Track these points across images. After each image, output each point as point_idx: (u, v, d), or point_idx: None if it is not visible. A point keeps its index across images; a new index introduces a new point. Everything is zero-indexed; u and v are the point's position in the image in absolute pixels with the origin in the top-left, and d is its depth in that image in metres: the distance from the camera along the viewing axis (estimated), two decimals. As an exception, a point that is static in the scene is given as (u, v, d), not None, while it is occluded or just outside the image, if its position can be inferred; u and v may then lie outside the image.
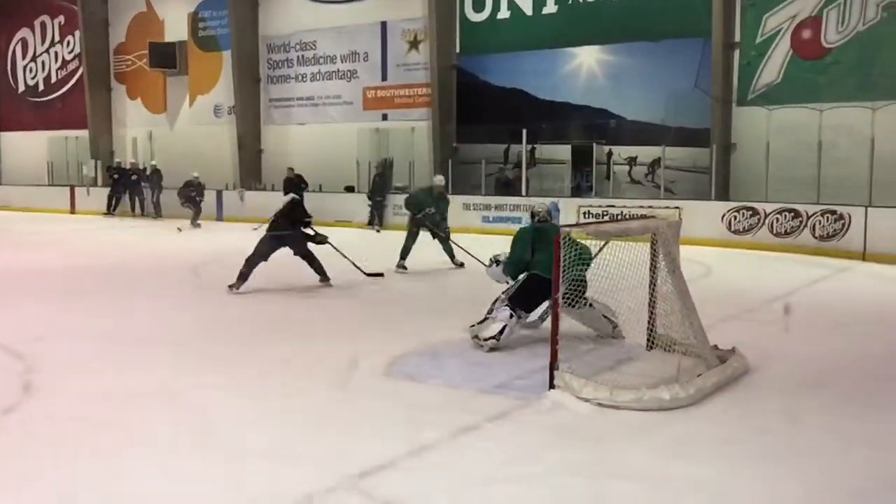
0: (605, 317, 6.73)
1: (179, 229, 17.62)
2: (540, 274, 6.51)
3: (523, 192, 17.07)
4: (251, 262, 9.39)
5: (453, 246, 11.39)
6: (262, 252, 9.44)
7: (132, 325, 7.81)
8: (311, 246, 9.63)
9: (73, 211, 23.17)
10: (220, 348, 6.84)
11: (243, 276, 9.35)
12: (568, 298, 6.02)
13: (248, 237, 10.67)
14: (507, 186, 17.96)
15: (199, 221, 18.83)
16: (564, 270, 5.59)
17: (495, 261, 7.23)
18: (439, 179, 12.25)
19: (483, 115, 18.53)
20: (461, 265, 11.30)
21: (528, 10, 17.91)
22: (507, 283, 7.06)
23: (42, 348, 6.74)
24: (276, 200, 18.81)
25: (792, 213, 13.46)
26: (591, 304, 6.55)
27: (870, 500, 3.89)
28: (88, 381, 5.82)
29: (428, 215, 11.24)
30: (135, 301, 9.19)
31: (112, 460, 4.33)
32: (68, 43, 26.17)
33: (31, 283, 10.67)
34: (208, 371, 6.06)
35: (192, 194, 18.92)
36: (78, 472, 4.17)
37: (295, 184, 17.94)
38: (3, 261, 12.37)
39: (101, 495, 3.92)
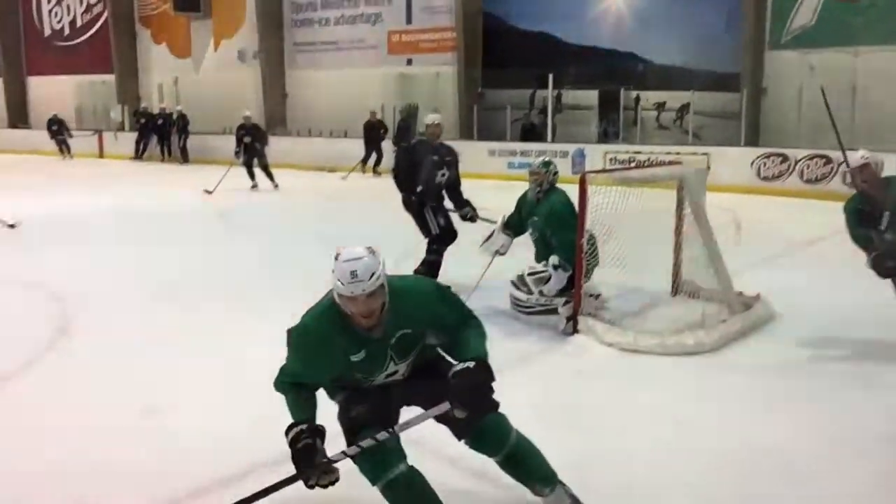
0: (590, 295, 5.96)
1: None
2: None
3: (549, 139, 16.94)
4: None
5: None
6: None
7: (163, 270, 7.96)
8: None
9: (101, 155, 23.36)
10: (256, 294, 6.96)
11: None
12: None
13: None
14: (533, 132, 17.81)
15: (256, 182, 14.86)
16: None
17: (559, 265, 5.71)
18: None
19: (509, 60, 18.28)
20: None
21: (557, -49, 17.55)
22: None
23: (79, 289, 6.91)
24: (301, 145, 19.21)
25: (823, 160, 13.24)
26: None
27: (893, 444, 3.92)
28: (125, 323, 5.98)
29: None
30: (162, 246, 9.34)
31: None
32: (92, -14, 26.07)
33: (63, 227, 10.84)
34: (241, 319, 6.17)
35: (242, 136, 14.99)
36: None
37: (375, 129, 17.80)
38: (37, 205, 12.50)
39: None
